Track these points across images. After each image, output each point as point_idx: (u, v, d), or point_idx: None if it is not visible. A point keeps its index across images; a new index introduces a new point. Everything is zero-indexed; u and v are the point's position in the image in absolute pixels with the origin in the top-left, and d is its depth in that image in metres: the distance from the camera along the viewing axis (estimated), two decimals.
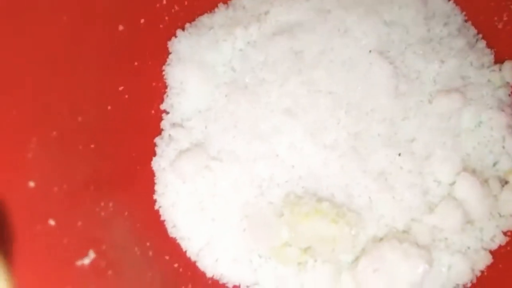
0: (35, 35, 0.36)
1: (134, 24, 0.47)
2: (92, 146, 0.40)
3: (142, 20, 0.48)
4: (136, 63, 0.49)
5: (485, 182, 0.50)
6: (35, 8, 0.37)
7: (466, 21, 0.56)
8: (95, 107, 0.41)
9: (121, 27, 0.45)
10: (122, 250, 0.38)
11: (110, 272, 0.35)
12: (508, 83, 0.53)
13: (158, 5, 0.50)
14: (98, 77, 0.42)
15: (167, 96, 0.55)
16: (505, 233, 0.49)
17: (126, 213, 0.42)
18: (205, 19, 0.57)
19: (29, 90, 0.35)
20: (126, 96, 0.48)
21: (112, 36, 0.44)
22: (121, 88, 0.47)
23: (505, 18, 0.52)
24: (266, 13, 0.56)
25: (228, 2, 0.58)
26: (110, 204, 0.40)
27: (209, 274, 0.48)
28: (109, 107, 0.45)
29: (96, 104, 0.42)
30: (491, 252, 0.48)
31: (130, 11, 0.46)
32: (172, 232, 0.49)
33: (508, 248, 0.48)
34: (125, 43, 0.46)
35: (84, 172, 0.38)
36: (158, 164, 0.52)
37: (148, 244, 0.43)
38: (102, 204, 0.39)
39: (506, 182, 0.51)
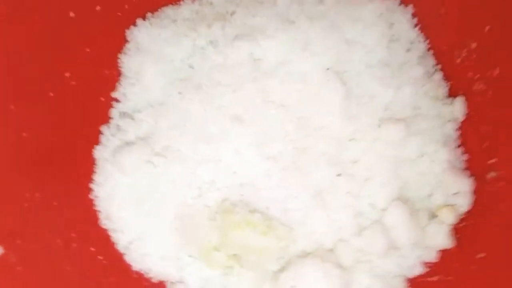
0: None
1: (87, 11, 0.46)
2: (24, 134, 0.39)
3: (98, 8, 0.47)
4: (87, 50, 0.48)
5: (416, 212, 0.52)
6: None
7: (428, 49, 0.56)
8: (32, 94, 0.41)
9: (72, 14, 0.44)
10: (39, 243, 0.38)
11: (19, 268, 0.36)
12: (457, 118, 0.54)
13: None
14: (38, 63, 0.41)
15: (120, 85, 0.54)
16: (425, 264, 0.51)
17: (55, 203, 0.42)
18: (169, 10, 0.56)
19: None
20: (73, 83, 0.47)
21: (60, 23, 0.43)
22: (67, 75, 0.46)
23: (464, 54, 0.52)
24: (232, 13, 0.56)
25: None
26: (37, 195, 0.40)
27: (135, 268, 0.49)
28: (51, 94, 0.44)
29: (34, 90, 0.41)
30: (409, 279, 0.50)
31: None
32: (105, 223, 0.50)
33: (427, 278, 0.50)
34: (75, 29, 0.45)
35: (7, 162, 0.37)
36: (101, 153, 0.52)
37: (73, 235, 0.43)
38: (27, 195, 0.39)
39: (435, 216, 0.52)
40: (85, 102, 0.50)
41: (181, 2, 0.56)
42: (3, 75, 0.37)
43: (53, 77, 0.44)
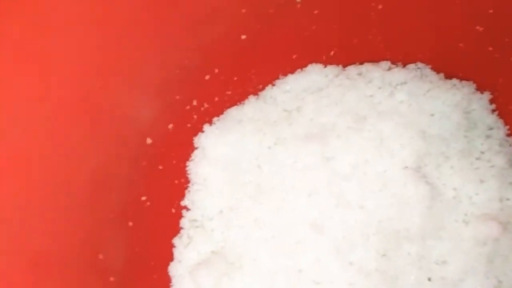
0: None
1: (162, 132, 0.45)
2: (112, 279, 0.38)
3: (171, 126, 0.46)
4: (160, 167, 0.47)
5: None
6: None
7: (508, 135, 0.53)
8: (116, 233, 0.39)
9: (149, 141, 0.43)
10: None
11: None
12: None
13: (188, 107, 0.48)
14: (118, 197, 0.40)
15: (189, 192, 0.53)
16: None
17: None
18: (233, 111, 0.55)
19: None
20: (148, 204, 0.46)
21: (138, 150, 0.42)
22: (143, 198, 0.45)
23: None
24: (298, 109, 0.54)
25: (259, 93, 0.56)
26: None
27: None
28: (130, 224, 0.43)
29: (118, 228, 0.40)
30: None
31: (159, 122, 0.44)
32: None
33: None
34: (151, 153, 0.44)
35: None
36: (176, 269, 0.50)
37: None
38: None
39: None
40: (157, 218, 0.48)
41: (245, 101, 0.55)
42: (91, 224, 0.36)
43: (132, 205, 0.43)
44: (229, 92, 0.52)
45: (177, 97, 0.44)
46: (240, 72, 0.50)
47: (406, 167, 0.50)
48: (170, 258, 0.49)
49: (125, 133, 0.38)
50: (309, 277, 0.49)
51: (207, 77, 0.46)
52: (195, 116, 0.49)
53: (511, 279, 0.49)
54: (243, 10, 0.42)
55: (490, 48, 0.48)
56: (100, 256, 0.36)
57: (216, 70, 0.47)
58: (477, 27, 0.47)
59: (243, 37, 0.45)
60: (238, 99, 0.54)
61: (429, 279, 0.48)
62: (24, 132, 0.33)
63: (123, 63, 0.37)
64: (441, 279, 0.48)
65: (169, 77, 0.40)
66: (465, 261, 0.49)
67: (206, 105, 0.50)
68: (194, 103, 0.48)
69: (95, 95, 0.35)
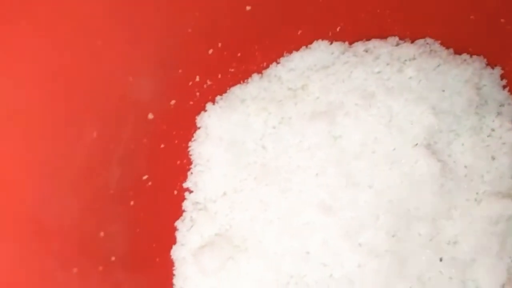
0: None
1: (164, 108, 0.43)
2: (113, 259, 0.36)
3: (173, 102, 0.44)
4: (162, 145, 0.45)
5: None
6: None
7: None
8: (117, 210, 0.37)
9: (150, 116, 0.41)
10: None
11: None
12: None
13: (190, 83, 0.46)
14: (120, 176, 0.38)
15: (192, 173, 0.51)
16: None
17: None
18: (237, 90, 0.53)
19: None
20: (150, 183, 0.44)
21: (140, 127, 0.40)
22: (145, 177, 0.43)
23: None
24: (304, 88, 0.52)
25: (263, 71, 0.54)
26: None
27: None
28: (131, 203, 0.41)
29: (118, 205, 0.38)
30: None
31: (161, 97, 0.42)
32: None
33: None
34: (152, 130, 0.42)
35: None
36: (179, 253, 0.48)
37: None
38: None
39: None
40: (159, 199, 0.46)
41: (249, 80, 0.53)
42: (88, 200, 0.34)
43: (133, 183, 0.41)
44: (232, 70, 0.50)
45: (180, 71, 0.42)
46: (243, 48, 0.48)
47: (417, 144, 0.48)
48: (173, 241, 0.48)
49: (125, 105, 0.36)
50: (317, 259, 0.47)
51: (210, 51, 0.44)
52: (197, 93, 0.48)
53: None
54: None
55: (502, 20, 0.46)
56: (101, 234, 0.35)
57: (220, 44, 0.45)
58: None
59: (248, 8, 0.43)
60: (241, 77, 0.52)
61: (441, 260, 0.47)
62: (22, 103, 0.31)
63: (123, 31, 0.35)
64: (452, 260, 0.47)
65: (171, 47, 0.38)
66: (477, 241, 0.47)
67: (209, 82, 0.48)
68: (197, 79, 0.46)
69: (93, 63, 0.33)
